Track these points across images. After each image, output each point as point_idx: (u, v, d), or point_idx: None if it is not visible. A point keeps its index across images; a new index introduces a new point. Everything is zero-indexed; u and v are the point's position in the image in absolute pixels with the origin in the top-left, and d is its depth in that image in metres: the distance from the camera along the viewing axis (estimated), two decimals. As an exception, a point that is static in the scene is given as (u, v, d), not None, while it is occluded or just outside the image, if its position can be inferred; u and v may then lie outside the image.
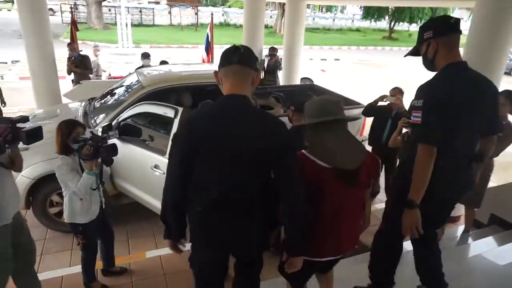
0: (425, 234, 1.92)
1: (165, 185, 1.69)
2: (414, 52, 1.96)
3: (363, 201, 1.86)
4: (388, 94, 4.25)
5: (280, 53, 8.63)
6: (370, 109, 4.45)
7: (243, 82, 1.56)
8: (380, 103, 4.32)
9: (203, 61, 8.67)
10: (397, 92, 4.21)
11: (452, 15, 8.69)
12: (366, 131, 5.05)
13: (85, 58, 7.50)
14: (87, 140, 2.61)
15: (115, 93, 4.97)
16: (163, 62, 6.95)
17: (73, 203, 2.76)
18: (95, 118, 4.44)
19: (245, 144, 1.51)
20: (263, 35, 8.33)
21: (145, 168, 3.69)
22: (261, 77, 8.52)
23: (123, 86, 5.00)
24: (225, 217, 1.63)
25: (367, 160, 1.75)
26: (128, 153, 3.91)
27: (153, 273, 3.60)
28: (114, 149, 2.73)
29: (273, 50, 7.99)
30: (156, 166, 3.57)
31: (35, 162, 3.82)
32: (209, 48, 8.49)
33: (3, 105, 6.58)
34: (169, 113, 3.44)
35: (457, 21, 1.79)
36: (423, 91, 1.81)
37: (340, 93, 6.46)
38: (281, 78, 8.69)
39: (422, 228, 1.88)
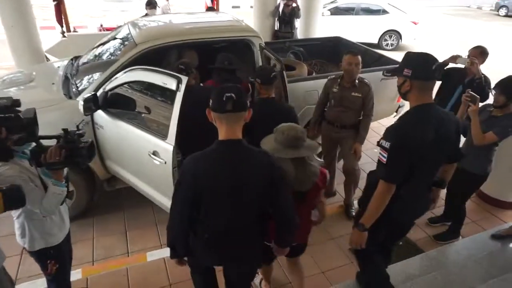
0: (386, 246, 2.40)
1: (172, 222, 1.83)
2: (393, 73, 2.03)
3: (311, 207, 2.28)
4: (461, 55, 3.34)
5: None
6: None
7: (237, 125, 1.68)
8: (452, 65, 3.49)
9: (206, 8, 7.50)
10: (477, 53, 3.27)
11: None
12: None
13: None
14: (44, 139, 1.79)
15: (103, 51, 4.01)
16: (150, 3, 5.77)
17: (34, 224, 1.97)
18: (77, 85, 3.53)
19: (244, 184, 1.70)
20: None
21: (141, 154, 2.87)
22: (275, 28, 7.55)
23: (113, 42, 4.03)
24: (229, 242, 1.85)
25: (318, 179, 2.11)
26: (120, 132, 3.07)
27: (156, 283, 2.93)
28: (92, 148, 1.91)
29: (290, -7, 6.76)
30: (155, 153, 2.74)
31: None
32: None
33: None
34: (169, 83, 2.55)
35: (439, 67, 1.85)
36: (391, 133, 1.90)
37: (369, 48, 5.43)
38: (299, 29, 7.50)
39: (382, 243, 2.27)
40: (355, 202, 3.76)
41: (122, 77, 3.00)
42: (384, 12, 10.66)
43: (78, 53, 4.41)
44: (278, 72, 3.08)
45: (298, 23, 7.18)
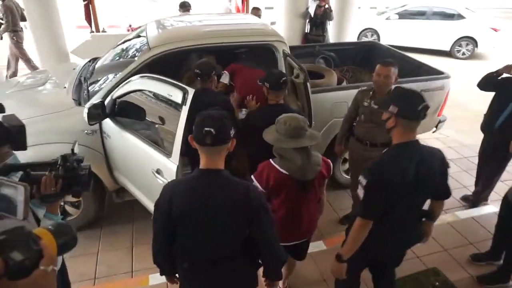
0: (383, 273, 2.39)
1: (153, 239, 1.79)
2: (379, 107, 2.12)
3: (317, 197, 2.28)
4: None
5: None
6: (488, 82, 3.27)
7: (218, 156, 1.64)
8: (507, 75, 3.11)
9: (237, 10, 7.23)
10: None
11: None
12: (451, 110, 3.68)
13: None
14: (33, 168, 1.53)
15: (119, 53, 3.82)
16: (184, 5, 5.59)
17: None
18: (88, 90, 3.34)
19: (217, 216, 1.63)
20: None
21: (145, 170, 2.62)
22: (306, 31, 7.16)
23: (129, 44, 3.83)
24: (210, 272, 1.77)
25: (322, 167, 2.15)
26: (126, 143, 2.83)
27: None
28: (90, 177, 1.65)
29: (323, -5, 6.35)
30: (158, 171, 2.48)
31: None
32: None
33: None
34: (175, 95, 2.27)
35: (425, 108, 1.81)
36: (370, 170, 1.89)
37: (407, 56, 4.95)
38: (331, 32, 7.06)
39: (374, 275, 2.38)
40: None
41: (129, 85, 2.76)
42: (460, 17, 9.62)
43: (101, 54, 4.26)
44: (299, 79, 2.76)
45: (330, 25, 6.74)
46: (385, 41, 9.79)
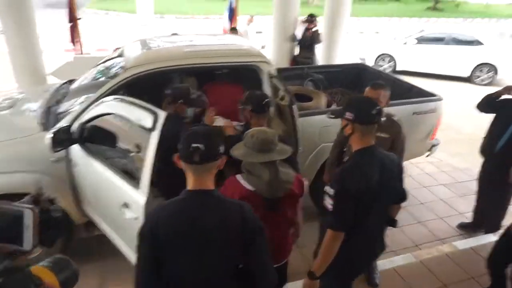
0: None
1: (136, 275, 1.54)
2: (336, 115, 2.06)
3: (288, 219, 2.08)
4: None
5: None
6: (488, 103, 3.16)
7: (207, 175, 1.51)
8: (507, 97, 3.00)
9: (225, 32, 7.16)
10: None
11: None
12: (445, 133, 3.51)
13: None
14: None
15: (94, 75, 3.60)
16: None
17: None
18: (57, 114, 3.09)
19: (208, 240, 1.49)
20: (299, 2, 6.68)
21: (112, 203, 2.34)
22: (295, 54, 7.09)
23: (107, 65, 3.63)
24: None
25: (294, 185, 1.99)
26: (94, 173, 2.57)
27: None
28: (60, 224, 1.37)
29: (311, 18, 6.28)
30: (126, 205, 2.21)
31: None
32: (232, 17, 6.96)
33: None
34: (144, 119, 2.04)
35: (379, 112, 1.87)
36: (336, 180, 1.90)
37: (398, 78, 4.84)
38: (320, 55, 6.99)
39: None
40: (379, 264, 3.09)
41: (99, 108, 2.52)
42: (478, 43, 9.55)
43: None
44: (284, 102, 2.55)
45: (318, 48, 6.67)
46: (402, 67, 9.91)
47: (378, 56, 10.11)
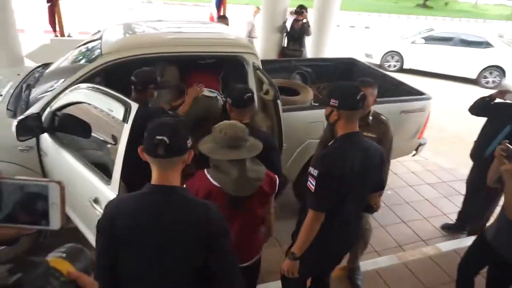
0: (321, 279, 2.42)
1: (95, 266, 1.42)
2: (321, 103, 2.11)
3: (257, 218, 1.99)
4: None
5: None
6: (480, 107, 3.10)
7: (172, 171, 1.43)
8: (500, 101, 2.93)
9: (211, 20, 6.93)
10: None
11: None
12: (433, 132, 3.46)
13: None
14: None
15: (71, 59, 3.39)
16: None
17: None
18: (27, 100, 2.88)
19: (175, 238, 1.41)
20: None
21: (83, 197, 2.18)
22: (283, 45, 6.93)
23: (84, 49, 3.41)
24: None
25: (264, 183, 1.88)
26: (64, 164, 2.40)
27: None
28: None
29: (300, 9, 6.13)
30: (96, 201, 2.06)
31: None
32: (220, 3, 6.75)
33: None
34: (116, 110, 1.88)
35: (363, 97, 1.90)
36: (320, 161, 1.92)
37: (388, 74, 4.76)
38: (309, 48, 6.84)
39: (316, 274, 2.36)
40: (362, 265, 3.02)
41: (70, 95, 2.34)
42: (488, 45, 9.40)
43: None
44: (268, 96, 2.43)
45: (308, 41, 6.52)
46: (409, 65, 9.86)
47: (386, 53, 10.03)
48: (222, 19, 5.89)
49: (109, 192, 1.96)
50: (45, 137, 2.55)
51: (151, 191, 1.42)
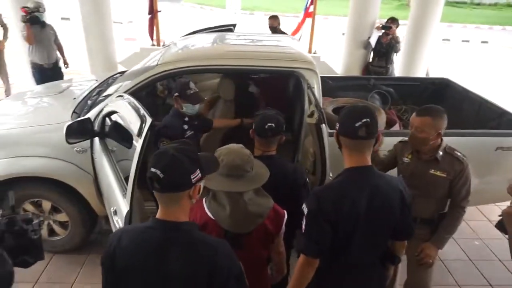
0: None
1: None
2: None
3: (258, 259, 1.76)
4: None
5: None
6: None
7: (175, 207, 1.29)
8: None
9: (296, 31, 6.78)
10: None
11: None
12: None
13: None
14: None
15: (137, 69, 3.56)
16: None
17: None
18: (91, 104, 3.08)
19: (172, 281, 1.28)
20: (379, 2, 6.00)
21: (109, 206, 2.21)
22: (368, 61, 6.39)
23: (153, 59, 3.55)
24: None
25: (268, 220, 1.68)
26: (104, 169, 2.47)
27: None
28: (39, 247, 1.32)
29: (391, 22, 5.55)
30: (116, 213, 2.04)
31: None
32: (304, 17, 6.57)
33: (66, 66, 5.86)
34: (133, 124, 1.84)
35: (367, 125, 1.56)
36: (313, 197, 1.64)
37: (489, 101, 3.98)
38: (398, 65, 6.19)
39: None
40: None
41: (112, 105, 2.40)
42: None
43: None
44: (311, 119, 2.16)
45: (397, 57, 5.87)
46: None
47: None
48: (274, 19, 5.84)
49: (123, 206, 1.93)
50: (96, 141, 2.68)
51: (154, 226, 1.31)
